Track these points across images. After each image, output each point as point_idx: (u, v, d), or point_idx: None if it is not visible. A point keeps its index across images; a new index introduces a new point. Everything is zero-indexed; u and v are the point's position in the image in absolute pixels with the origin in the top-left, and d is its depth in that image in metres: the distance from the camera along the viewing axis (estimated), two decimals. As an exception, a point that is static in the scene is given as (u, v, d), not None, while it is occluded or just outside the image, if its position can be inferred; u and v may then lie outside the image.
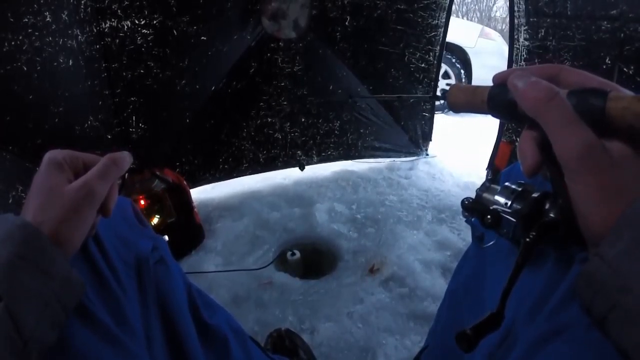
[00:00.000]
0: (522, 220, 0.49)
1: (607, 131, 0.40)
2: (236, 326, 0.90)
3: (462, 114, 5.16)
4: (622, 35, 1.63)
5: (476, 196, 0.58)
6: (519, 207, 0.50)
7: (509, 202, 0.52)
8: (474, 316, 0.68)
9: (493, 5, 14.13)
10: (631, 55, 1.61)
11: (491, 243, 0.69)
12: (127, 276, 0.65)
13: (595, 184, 0.39)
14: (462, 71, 4.81)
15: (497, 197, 0.54)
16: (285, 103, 2.44)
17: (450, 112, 4.90)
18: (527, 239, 0.46)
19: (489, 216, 0.53)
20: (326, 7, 2.30)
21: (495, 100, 0.48)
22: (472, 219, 0.82)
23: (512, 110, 0.46)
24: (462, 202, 0.59)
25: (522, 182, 0.54)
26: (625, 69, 1.63)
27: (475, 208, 0.57)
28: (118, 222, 0.70)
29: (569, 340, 0.44)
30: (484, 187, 0.58)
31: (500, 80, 0.47)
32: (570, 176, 0.40)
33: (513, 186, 0.53)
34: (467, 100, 0.53)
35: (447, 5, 2.60)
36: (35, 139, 1.34)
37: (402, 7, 2.47)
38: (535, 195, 0.50)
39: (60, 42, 1.42)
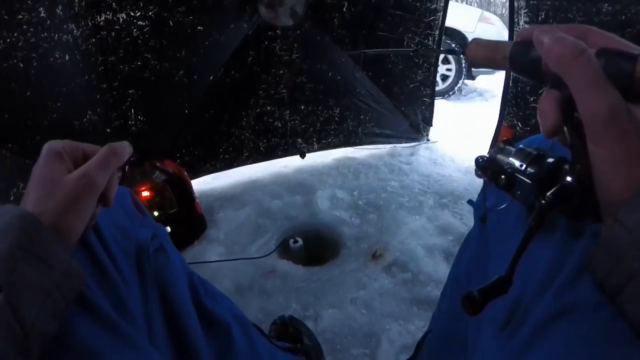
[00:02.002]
0: (538, 183, 0.48)
1: (633, 96, 0.38)
2: (239, 314, 0.90)
3: (462, 98, 5.16)
4: (623, 17, 1.62)
5: (489, 157, 0.56)
6: (534, 170, 0.49)
7: (524, 165, 0.50)
8: None
9: None
10: (632, 38, 1.53)
11: (503, 206, 0.67)
12: (127, 265, 0.65)
13: (618, 148, 0.37)
14: (462, 56, 4.76)
15: (511, 159, 0.52)
16: (284, 91, 2.43)
17: (450, 97, 4.89)
18: (542, 202, 0.44)
19: (503, 176, 0.51)
20: (323, -7, 2.28)
21: (518, 56, 0.47)
22: (474, 201, 0.82)
23: (536, 67, 0.44)
24: (476, 160, 0.57)
25: (538, 147, 0.52)
26: (626, 52, 1.61)
27: (489, 167, 0.55)
28: (117, 212, 0.71)
29: (577, 320, 0.44)
30: (497, 149, 0.55)
31: (524, 37, 0.45)
32: (593, 138, 0.39)
33: (529, 149, 0.51)
34: (486, 56, 0.51)
35: (445, -12, 2.58)
36: (35, 136, 1.35)
37: (400, -9, 2.45)
38: (551, 160, 0.48)
39: (56, 38, 1.42)
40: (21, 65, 1.29)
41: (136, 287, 0.65)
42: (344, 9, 2.38)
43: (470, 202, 0.83)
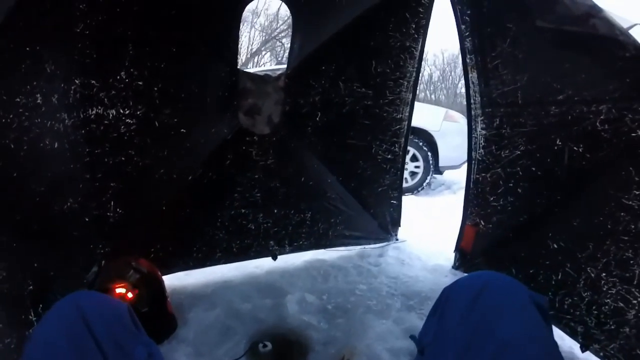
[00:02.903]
0: None
1: None
2: None
3: (431, 192, 5.38)
4: (569, 117, 1.77)
5: None
6: None
7: None
8: None
9: (458, 82, 15.20)
10: (579, 135, 1.73)
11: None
12: None
13: None
14: (429, 153, 5.09)
15: None
16: (258, 195, 2.49)
17: (420, 193, 5.10)
18: None
19: None
20: (298, 104, 2.45)
21: None
22: (416, 336, 0.94)
23: None
24: None
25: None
26: (575, 148, 1.76)
27: None
28: (116, 329, 0.73)
29: None
30: None
31: None
32: None
33: None
34: None
35: (410, 100, 2.82)
36: (14, 215, 1.35)
37: (369, 103, 2.66)
38: None
39: (48, 124, 1.46)
40: (12, 145, 1.30)
41: None
42: (317, 118, 2.54)
43: (412, 337, 0.92)
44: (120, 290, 1.76)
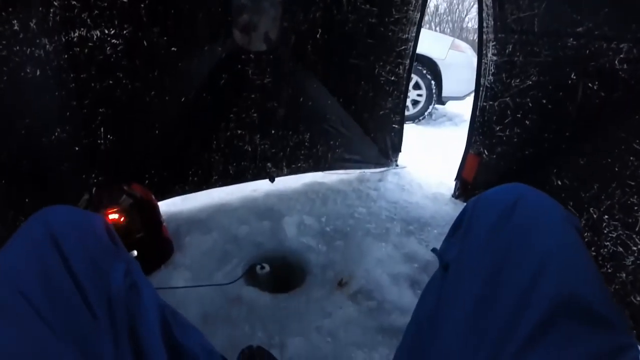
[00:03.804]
0: None
1: None
2: (209, 347, 0.89)
3: (432, 122, 5.30)
4: (587, 52, 1.69)
5: None
6: None
7: None
8: (434, 351, 0.71)
9: (465, 16, 14.53)
10: (595, 72, 1.66)
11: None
12: (98, 301, 0.64)
13: None
14: (433, 82, 4.91)
15: None
16: (255, 115, 2.43)
17: (421, 122, 5.01)
18: None
19: None
20: (297, 20, 2.31)
21: None
22: (437, 249, 0.85)
23: None
24: None
25: None
26: (589, 84, 1.70)
27: None
28: (90, 243, 0.69)
29: None
30: None
31: None
32: None
33: None
34: None
35: (417, 19, 2.66)
36: (1, 153, 1.30)
37: (373, 21, 2.51)
38: None
39: (28, 52, 1.38)
40: (-10, 78, 1.25)
41: (108, 325, 0.64)
42: (317, 36, 2.41)
43: (434, 250, 0.85)
44: (113, 216, 1.76)
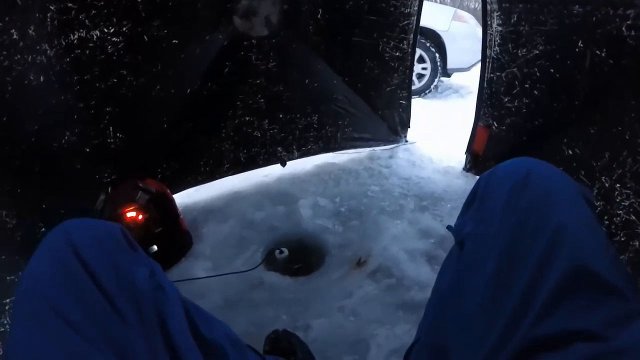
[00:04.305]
0: None
1: None
2: (234, 338, 0.91)
3: (439, 96, 5.24)
4: (593, 18, 1.64)
5: None
6: None
7: None
8: (456, 322, 0.73)
9: None
10: (603, 39, 1.62)
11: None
12: (127, 306, 0.65)
13: None
14: (437, 55, 4.84)
15: None
16: (261, 101, 2.42)
17: (427, 96, 4.95)
18: None
19: None
20: (298, 2, 2.29)
21: None
22: (453, 227, 0.86)
23: None
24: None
25: None
26: (597, 52, 1.66)
27: None
28: (112, 250, 0.70)
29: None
30: None
31: None
32: None
33: None
34: None
35: (420, -8, 2.61)
36: (13, 161, 1.32)
37: (374, -4, 2.47)
38: None
39: (29, 59, 1.38)
40: (-4, 89, 1.26)
41: (139, 328, 0.65)
42: (319, 16, 2.39)
43: (449, 227, 0.86)
44: (130, 214, 1.78)
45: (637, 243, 1.48)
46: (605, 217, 1.61)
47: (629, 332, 0.54)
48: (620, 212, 1.55)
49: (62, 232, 0.68)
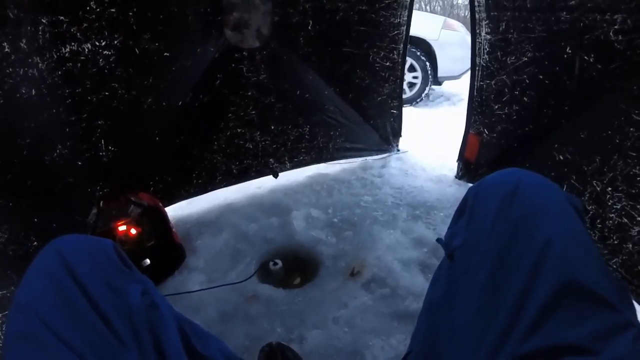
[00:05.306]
0: None
1: None
2: (228, 353, 0.90)
3: (430, 104, 5.27)
4: (581, 25, 1.67)
5: None
6: None
7: None
8: (448, 334, 0.74)
9: None
10: (591, 44, 1.65)
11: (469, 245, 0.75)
12: (122, 325, 0.65)
13: None
14: (428, 63, 4.88)
15: None
16: (253, 112, 2.43)
17: (418, 104, 4.98)
18: None
19: None
20: (288, 13, 2.30)
21: None
22: (442, 239, 0.87)
23: None
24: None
25: None
26: (586, 57, 1.68)
27: None
28: (105, 269, 0.70)
29: None
30: None
31: None
32: None
33: None
34: None
35: (408, 3, 2.64)
36: (6, 175, 1.31)
37: (364, 7, 2.49)
38: None
39: (21, 72, 1.38)
40: (-13, 104, 1.25)
41: (134, 348, 0.65)
42: (309, 27, 2.40)
43: (439, 240, 0.87)
44: (123, 227, 1.77)
45: (630, 245, 1.50)
46: (598, 221, 1.62)
47: (617, 345, 0.55)
48: (613, 215, 1.57)
49: (53, 249, 0.68)
